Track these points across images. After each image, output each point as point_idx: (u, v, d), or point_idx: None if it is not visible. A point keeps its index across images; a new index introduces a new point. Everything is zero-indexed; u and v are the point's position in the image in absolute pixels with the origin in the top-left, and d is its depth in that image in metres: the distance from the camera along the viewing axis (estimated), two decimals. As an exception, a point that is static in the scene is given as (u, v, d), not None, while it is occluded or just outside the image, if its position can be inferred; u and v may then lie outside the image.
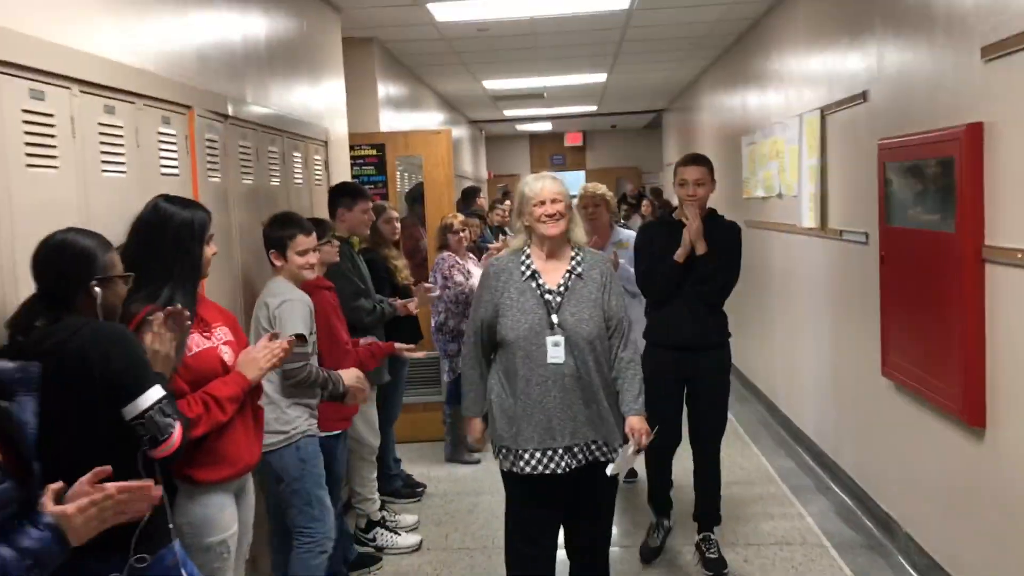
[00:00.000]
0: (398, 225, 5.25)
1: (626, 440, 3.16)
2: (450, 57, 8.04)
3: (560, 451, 3.11)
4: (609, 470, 3.10)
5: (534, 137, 18.00)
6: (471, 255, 6.03)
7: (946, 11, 3.56)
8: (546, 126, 16.31)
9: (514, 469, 3.16)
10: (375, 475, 4.68)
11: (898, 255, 4.04)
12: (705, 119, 10.25)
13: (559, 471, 3.12)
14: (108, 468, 1.78)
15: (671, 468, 4.38)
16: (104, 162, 2.68)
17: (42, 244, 2.16)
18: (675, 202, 12.74)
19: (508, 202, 10.23)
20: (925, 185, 3.69)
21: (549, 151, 18.10)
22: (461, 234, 5.85)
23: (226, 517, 2.64)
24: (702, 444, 4.21)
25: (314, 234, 3.56)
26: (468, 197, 8.46)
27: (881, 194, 4.18)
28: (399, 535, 4.62)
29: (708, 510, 4.26)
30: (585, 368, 3.12)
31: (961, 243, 3.33)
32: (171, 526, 2.24)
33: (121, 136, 2.78)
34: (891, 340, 4.16)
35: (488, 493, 5.22)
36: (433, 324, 5.84)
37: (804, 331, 5.89)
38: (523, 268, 3.20)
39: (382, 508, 4.73)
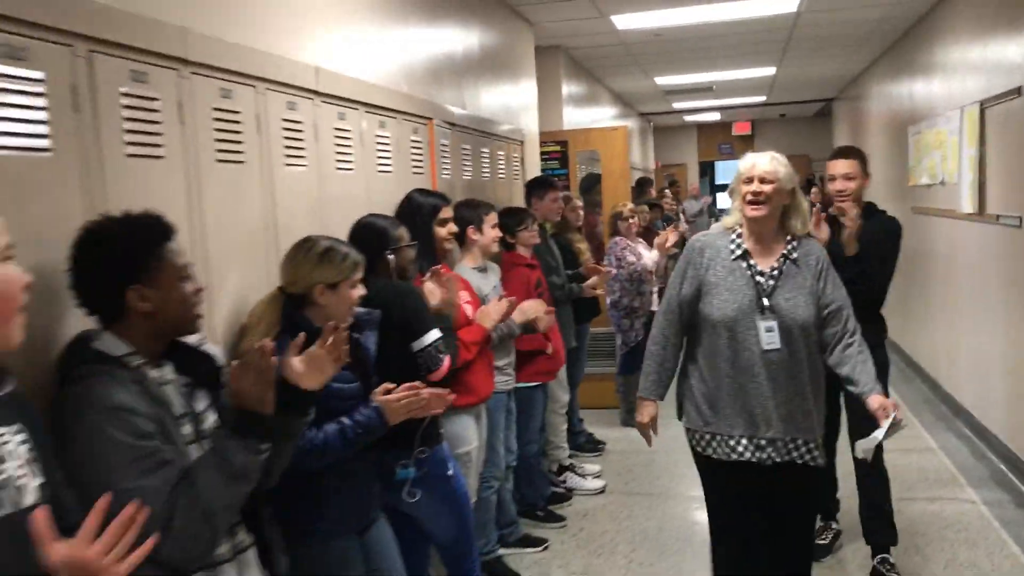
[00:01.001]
0: (582, 213, 5.98)
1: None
2: (626, 59, 8.71)
3: (763, 442, 2.95)
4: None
5: (701, 127, 18.35)
6: (640, 239, 6.70)
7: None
8: (714, 116, 16.66)
9: (718, 454, 3.00)
10: (565, 427, 5.44)
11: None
12: (873, 108, 10.47)
13: (765, 462, 2.95)
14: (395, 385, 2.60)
15: (835, 465, 4.20)
16: (379, 165, 3.55)
17: (354, 225, 3.02)
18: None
19: (671, 190, 10.84)
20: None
21: (717, 140, 18.42)
22: (631, 220, 6.51)
23: (471, 434, 3.45)
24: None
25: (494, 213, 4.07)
26: (641, 187, 9.13)
27: (1031, 181, 4.57)
28: (586, 479, 5.37)
29: (875, 526, 3.92)
30: (796, 358, 2.93)
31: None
32: (441, 431, 3.07)
33: (389, 144, 3.64)
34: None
35: (663, 452, 5.87)
36: (608, 302, 6.53)
37: (964, 311, 6.24)
38: (732, 247, 3.01)
39: (570, 457, 5.50)
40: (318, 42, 3.22)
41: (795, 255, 2.98)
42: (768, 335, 2.90)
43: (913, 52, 7.92)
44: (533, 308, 3.90)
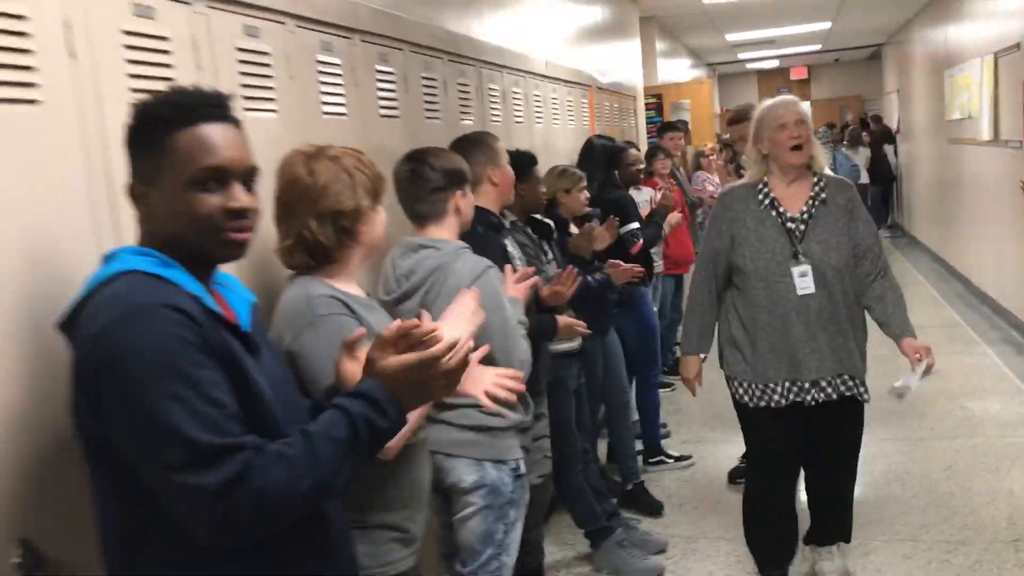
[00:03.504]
0: (681, 142, 7.52)
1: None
2: (704, 20, 10.35)
3: (807, 384, 3.01)
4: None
5: (761, 73, 19.74)
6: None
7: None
8: (773, 63, 18.08)
9: (760, 403, 3.06)
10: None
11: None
12: (917, 52, 11.96)
13: (809, 403, 3.02)
14: None
15: None
16: (568, 121, 5.37)
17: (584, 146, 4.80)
18: (894, 127, 14.54)
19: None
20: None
21: (776, 85, 19.82)
22: (711, 157, 8.16)
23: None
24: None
25: None
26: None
27: (1025, 114, 6.24)
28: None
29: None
30: (832, 299, 2.98)
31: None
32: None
33: (572, 105, 5.45)
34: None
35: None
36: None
37: (987, 221, 7.90)
38: (760, 197, 3.04)
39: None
40: (542, 40, 5.03)
41: (824, 195, 3.03)
42: (802, 280, 2.94)
43: (949, 2, 9.43)
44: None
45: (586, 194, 4.14)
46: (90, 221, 1.69)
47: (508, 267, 2.69)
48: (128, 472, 1.31)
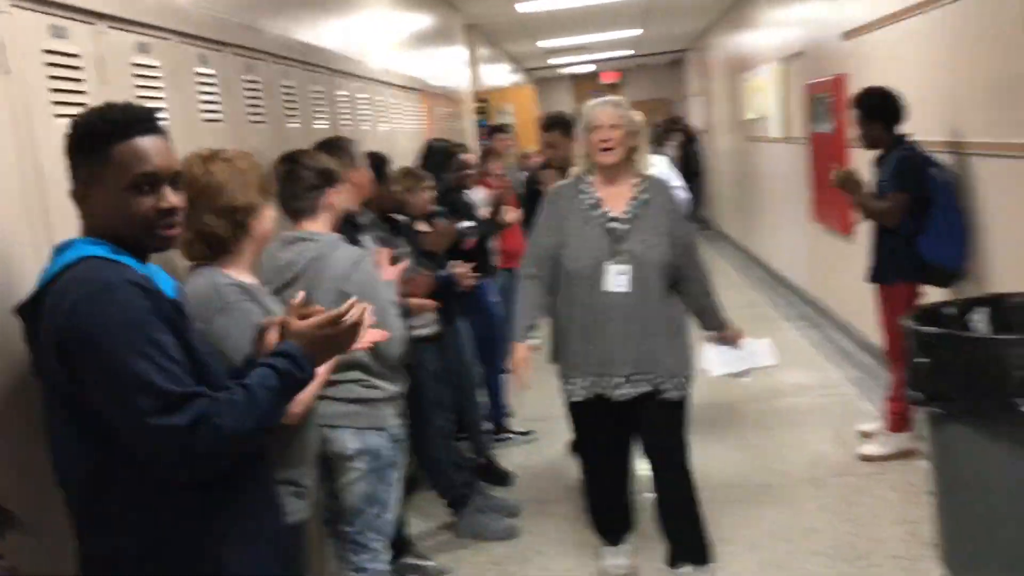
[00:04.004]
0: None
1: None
2: (519, 28, 10.89)
3: (614, 381, 3.12)
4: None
5: (576, 77, 20.67)
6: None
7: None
8: (588, 68, 18.99)
9: (574, 398, 3.20)
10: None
11: (815, 147, 6.94)
12: (717, 56, 13.00)
13: (619, 398, 3.13)
14: None
15: None
16: (400, 122, 5.69)
17: (423, 148, 5.15)
18: (697, 126, 15.54)
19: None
20: (824, 107, 6.58)
21: (589, 88, 20.79)
22: (535, 159, 8.71)
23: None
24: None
25: None
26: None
27: (808, 113, 7.06)
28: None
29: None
30: (648, 298, 3.06)
31: (837, 138, 6.24)
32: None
33: (398, 107, 5.77)
34: (820, 208, 7.07)
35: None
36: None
37: (780, 211, 8.80)
38: (583, 196, 3.14)
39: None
40: (380, 48, 5.32)
41: (646, 195, 3.12)
42: (618, 278, 3.02)
43: (746, 11, 10.37)
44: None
45: (430, 194, 4.46)
46: (26, 222, 1.88)
47: (384, 251, 2.99)
48: (97, 422, 1.55)
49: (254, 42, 3.24)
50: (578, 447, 3.63)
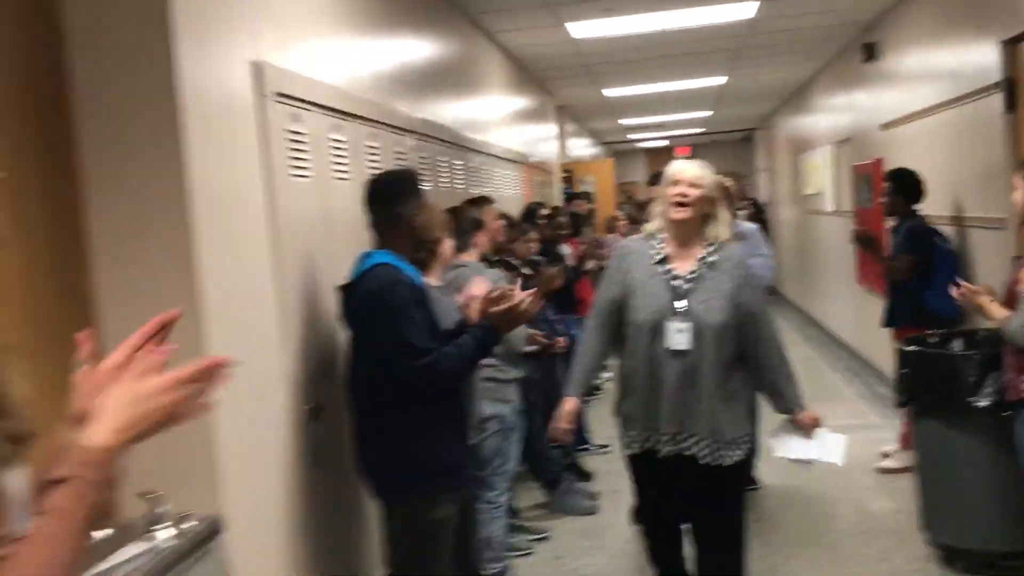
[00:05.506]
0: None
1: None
2: (605, 109, 12.22)
3: (664, 438, 3.11)
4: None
5: (650, 151, 21.99)
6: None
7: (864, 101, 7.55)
8: (663, 142, 20.31)
9: (628, 450, 3.24)
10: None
11: (859, 219, 8.01)
12: (782, 137, 14.16)
13: (665, 454, 3.12)
14: None
15: None
16: (507, 188, 6.95)
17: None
18: (763, 200, 16.54)
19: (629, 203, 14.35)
20: (866, 185, 7.67)
21: (663, 161, 22.02)
22: (621, 222, 9.93)
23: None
24: None
25: None
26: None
27: (854, 190, 8.16)
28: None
29: None
30: (706, 359, 3.04)
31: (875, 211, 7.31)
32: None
33: (507, 176, 7.04)
34: (864, 272, 8.11)
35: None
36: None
37: (832, 276, 9.83)
38: (652, 252, 3.16)
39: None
40: (492, 127, 6.61)
41: (712, 259, 3.11)
42: (678, 336, 3.03)
43: (805, 97, 11.53)
44: None
45: (533, 245, 5.69)
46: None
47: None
48: (378, 357, 2.78)
49: (406, 123, 4.35)
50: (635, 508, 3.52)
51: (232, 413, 2.28)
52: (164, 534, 1.93)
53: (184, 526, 1.99)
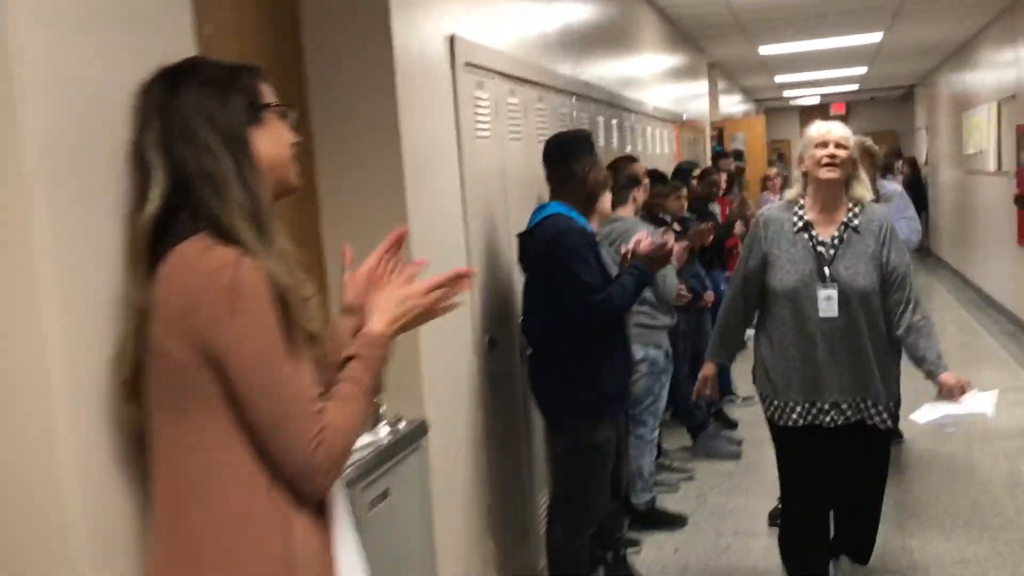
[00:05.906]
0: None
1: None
2: (759, 66, 12.15)
3: (826, 406, 3.09)
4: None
5: (803, 108, 21.47)
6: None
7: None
8: (815, 99, 19.80)
9: (780, 421, 3.17)
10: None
11: (1021, 180, 7.81)
12: (943, 94, 13.67)
13: (826, 424, 3.11)
14: None
15: None
16: (659, 147, 7.18)
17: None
18: (922, 159, 16.28)
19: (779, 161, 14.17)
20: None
21: (816, 119, 21.42)
22: (775, 180, 9.94)
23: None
24: None
25: None
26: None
27: (1018, 149, 7.95)
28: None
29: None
30: (855, 324, 3.04)
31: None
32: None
33: (659, 135, 7.26)
34: (1021, 224, 7.92)
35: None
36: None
37: (992, 237, 9.58)
38: (795, 219, 3.15)
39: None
40: (649, 89, 6.85)
41: (856, 222, 3.09)
42: (827, 303, 3.01)
43: (969, 53, 11.14)
44: None
45: (684, 201, 5.91)
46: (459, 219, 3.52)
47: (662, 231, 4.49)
48: (555, 295, 3.14)
49: (568, 84, 4.66)
50: (780, 481, 3.41)
51: (433, 338, 2.70)
52: (384, 431, 2.37)
53: (399, 426, 2.42)
